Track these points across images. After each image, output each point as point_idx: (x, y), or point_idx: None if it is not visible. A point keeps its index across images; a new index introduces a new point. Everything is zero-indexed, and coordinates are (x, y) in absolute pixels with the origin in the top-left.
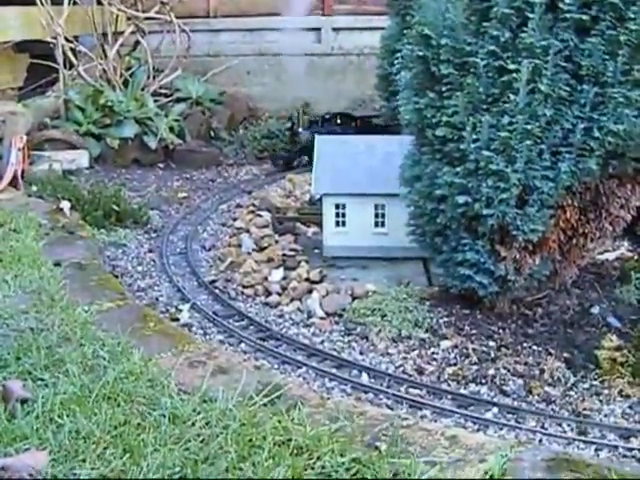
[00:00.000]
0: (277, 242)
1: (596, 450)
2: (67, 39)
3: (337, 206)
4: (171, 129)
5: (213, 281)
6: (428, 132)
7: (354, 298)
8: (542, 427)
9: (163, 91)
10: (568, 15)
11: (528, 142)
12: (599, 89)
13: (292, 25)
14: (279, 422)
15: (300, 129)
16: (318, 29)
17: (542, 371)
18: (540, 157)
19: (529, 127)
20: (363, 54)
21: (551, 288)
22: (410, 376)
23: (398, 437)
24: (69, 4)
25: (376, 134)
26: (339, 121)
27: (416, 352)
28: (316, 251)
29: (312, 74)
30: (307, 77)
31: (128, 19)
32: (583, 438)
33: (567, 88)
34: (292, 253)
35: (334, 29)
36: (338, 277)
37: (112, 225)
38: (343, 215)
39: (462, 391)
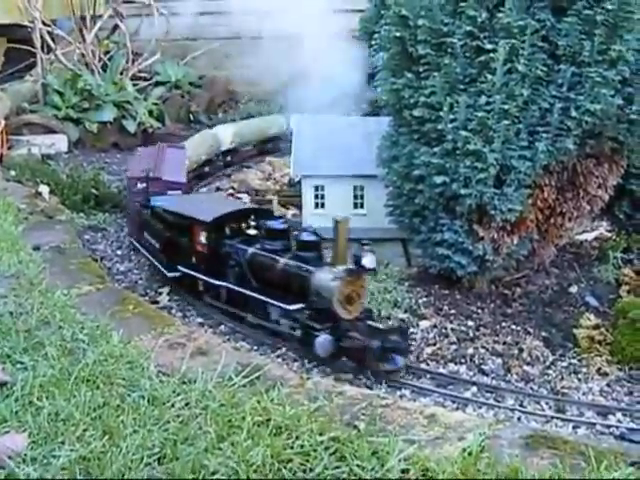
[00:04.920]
0: None
1: (574, 427)
2: (45, 23)
3: (316, 188)
4: (150, 113)
5: None
6: (405, 112)
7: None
8: (521, 405)
9: (142, 75)
10: None
11: (505, 122)
12: (576, 69)
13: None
14: (258, 402)
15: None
16: (296, 11)
17: (521, 350)
18: (517, 137)
19: (506, 107)
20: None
21: (530, 268)
22: None
23: (377, 416)
24: None
25: None
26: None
27: None
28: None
29: (291, 57)
30: (287, 60)
31: (106, 2)
32: (561, 416)
33: (544, 68)
34: None
35: (313, 12)
36: None
37: (91, 209)
38: (322, 197)
39: (441, 370)
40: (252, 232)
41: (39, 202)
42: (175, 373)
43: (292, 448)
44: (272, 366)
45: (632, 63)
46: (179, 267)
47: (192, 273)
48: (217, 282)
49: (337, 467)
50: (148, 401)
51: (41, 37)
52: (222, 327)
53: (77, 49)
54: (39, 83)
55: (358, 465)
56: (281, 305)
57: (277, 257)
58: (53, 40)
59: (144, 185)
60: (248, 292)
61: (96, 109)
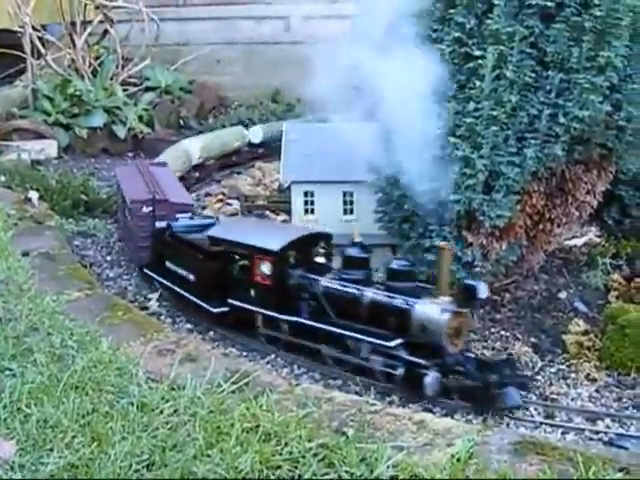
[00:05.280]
0: None
1: (563, 433)
2: (35, 28)
3: (306, 194)
4: (140, 118)
5: None
6: None
7: None
8: (509, 411)
9: (132, 80)
10: (533, 1)
11: (494, 128)
12: (564, 75)
13: (261, 13)
14: (247, 409)
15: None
16: (287, 17)
17: (510, 356)
18: (506, 143)
19: (495, 113)
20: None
21: (519, 274)
22: None
23: (366, 422)
24: None
25: None
26: None
27: None
28: None
29: (281, 62)
30: (276, 66)
31: (96, 8)
32: (550, 422)
33: (532, 74)
34: None
35: (303, 18)
36: None
37: (81, 215)
38: (312, 203)
39: None
40: (322, 260)
41: (28, 208)
42: (164, 379)
43: (281, 455)
44: (261, 372)
45: (620, 69)
46: (230, 301)
47: (250, 308)
48: (289, 318)
49: (326, 474)
50: (137, 408)
51: (31, 42)
52: (211, 333)
53: (67, 54)
54: (29, 88)
55: (347, 471)
56: (378, 342)
57: (364, 288)
58: (43, 45)
59: (150, 209)
60: (330, 328)
61: (86, 114)
